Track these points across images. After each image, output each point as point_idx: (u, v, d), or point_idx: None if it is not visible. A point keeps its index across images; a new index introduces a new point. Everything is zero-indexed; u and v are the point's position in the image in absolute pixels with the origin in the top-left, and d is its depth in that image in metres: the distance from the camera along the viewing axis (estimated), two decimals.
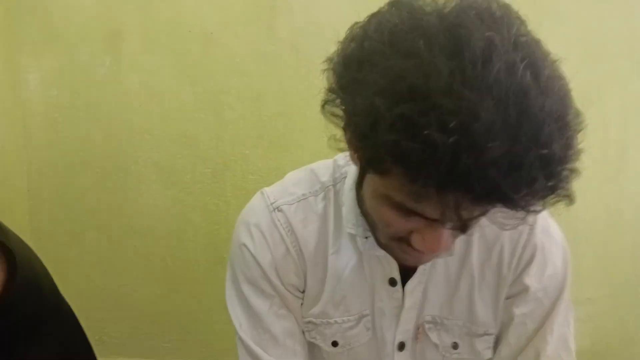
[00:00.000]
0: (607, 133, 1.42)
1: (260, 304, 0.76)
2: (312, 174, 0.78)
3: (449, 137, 0.44)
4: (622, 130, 1.43)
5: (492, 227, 0.73)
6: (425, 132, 0.44)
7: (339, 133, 0.60)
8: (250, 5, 1.35)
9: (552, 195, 0.49)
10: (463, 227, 0.56)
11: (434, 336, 0.77)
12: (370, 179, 0.59)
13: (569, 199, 0.51)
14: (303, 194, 0.76)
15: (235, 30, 1.36)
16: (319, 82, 0.60)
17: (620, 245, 1.52)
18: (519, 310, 0.75)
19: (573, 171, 0.49)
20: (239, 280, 0.76)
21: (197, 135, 1.45)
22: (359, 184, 0.64)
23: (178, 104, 1.44)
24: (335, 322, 0.77)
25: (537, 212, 0.49)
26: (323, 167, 0.78)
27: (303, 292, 0.78)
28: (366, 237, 0.71)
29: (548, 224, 0.75)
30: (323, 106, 0.59)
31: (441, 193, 0.47)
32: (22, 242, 0.75)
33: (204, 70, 1.41)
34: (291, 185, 0.77)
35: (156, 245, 1.54)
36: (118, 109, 1.46)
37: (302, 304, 0.78)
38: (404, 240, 0.59)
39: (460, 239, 0.71)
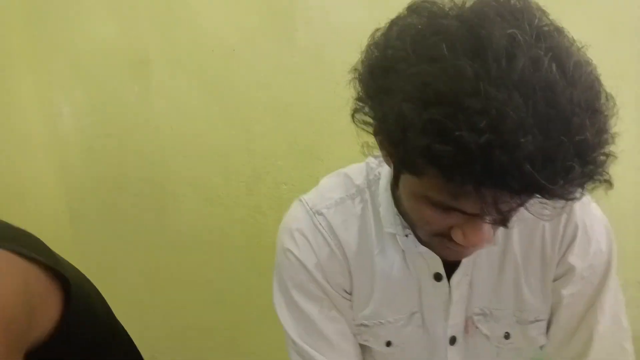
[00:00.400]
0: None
1: (310, 307, 0.76)
2: (347, 178, 0.79)
3: (480, 137, 0.44)
4: None
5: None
6: (457, 133, 0.45)
7: (371, 140, 0.61)
8: (269, 19, 1.36)
9: (590, 182, 0.49)
10: (503, 220, 0.56)
11: (484, 328, 0.78)
12: (406, 180, 0.59)
13: (608, 183, 0.51)
14: (340, 198, 0.77)
15: (256, 45, 1.38)
16: (342, 89, 0.60)
17: None
18: (567, 291, 0.74)
19: (609, 155, 0.49)
20: (287, 286, 0.77)
21: (228, 150, 1.47)
22: (395, 184, 0.65)
23: (207, 122, 1.47)
24: (388, 321, 0.78)
25: (576, 199, 0.50)
26: (356, 171, 0.79)
27: (350, 293, 0.78)
28: (406, 235, 0.72)
29: (587, 202, 0.75)
30: (353, 115, 0.60)
31: (478, 190, 0.47)
32: (74, 268, 0.77)
33: (229, 87, 1.43)
34: (327, 190, 0.79)
35: (198, 261, 1.57)
36: (149, 132, 1.50)
37: (351, 307, 0.79)
38: (445, 235, 0.60)
39: (501, 228, 0.70)
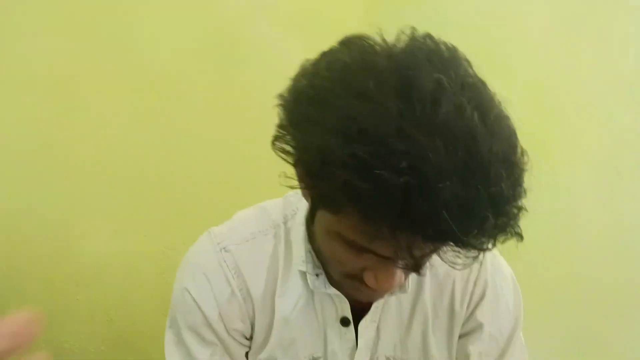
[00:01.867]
0: (557, 184, 1.45)
1: (200, 352, 0.72)
2: (262, 212, 0.75)
3: (399, 178, 0.44)
4: (573, 181, 1.46)
5: (443, 265, 0.73)
6: (377, 172, 0.44)
7: (289, 170, 0.59)
8: (208, 53, 1.33)
9: (502, 234, 0.49)
10: (415, 265, 0.55)
11: None
12: (322, 216, 0.58)
13: (519, 236, 0.51)
14: (252, 233, 0.73)
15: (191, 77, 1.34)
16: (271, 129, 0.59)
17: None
18: (474, 349, 0.74)
19: (521, 209, 0.50)
20: (179, 326, 0.72)
21: (145, 179, 1.40)
22: (310, 219, 0.63)
23: (128, 147, 1.39)
24: None
25: (488, 250, 0.50)
26: (273, 205, 0.76)
27: (250, 338, 0.74)
28: (317, 275, 0.69)
29: (497, 260, 0.76)
30: (273, 142, 0.58)
31: (394, 233, 0.47)
32: None
33: (155, 115, 1.38)
34: (239, 224, 0.75)
35: (101, 297, 1.45)
36: (63, 154, 1.40)
37: (248, 352, 0.75)
38: (356, 277, 0.58)
39: (413, 276, 0.71)
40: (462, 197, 0.44)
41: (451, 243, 0.48)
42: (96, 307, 1.46)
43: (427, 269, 0.72)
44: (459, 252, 0.51)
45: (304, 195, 0.62)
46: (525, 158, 0.51)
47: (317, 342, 0.73)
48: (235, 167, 1.39)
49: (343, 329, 0.72)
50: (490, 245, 0.50)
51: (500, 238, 0.50)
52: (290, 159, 0.57)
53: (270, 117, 0.59)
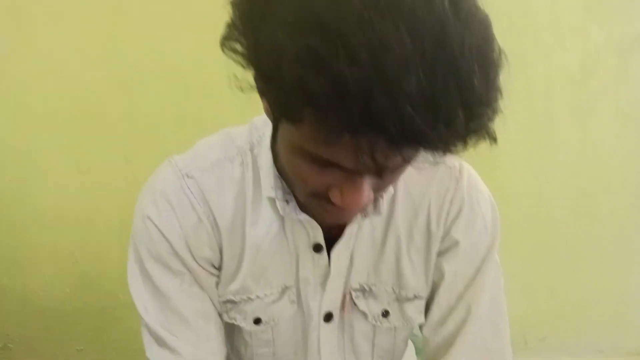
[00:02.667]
0: (533, 104, 1.43)
1: (167, 283, 0.67)
2: (227, 138, 0.70)
3: (359, 72, 0.39)
4: (548, 101, 1.44)
5: (418, 185, 0.71)
6: (333, 66, 0.39)
7: (240, 72, 0.52)
8: None
9: (474, 135, 0.45)
10: (379, 170, 0.50)
11: (362, 304, 0.73)
12: (284, 131, 0.53)
13: (492, 139, 0.47)
14: (217, 160, 0.68)
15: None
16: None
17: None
18: (449, 267, 0.72)
19: (495, 111, 0.46)
20: (142, 258, 0.67)
21: (106, 114, 1.33)
22: (274, 139, 0.59)
23: (83, 83, 1.32)
24: (257, 297, 0.70)
25: (457, 152, 0.46)
26: (238, 131, 0.71)
27: (219, 268, 0.70)
28: (287, 201, 0.65)
29: (474, 179, 0.73)
30: (223, 43, 0.51)
31: (354, 137, 0.43)
32: None
33: (111, 47, 1.30)
34: (203, 150, 0.69)
35: (65, 238, 1.41)
36: (18, 89, 1.32)
37: (218, 283, 0.71)
38: (323, 196, 0.54)
39: (385, 201, 0.67)
40: (428, 91, 0.40)
41: (417, 146, 0.44)
42: (60, 248, 1.42)
43: (400, 190, 0.70)
44: (425, 155, 0.47)
45: (266, 112, 0.57)
46: (503, 58, 0.46)
47: (289, 270, 0.71)
48: (199, 95, 1.32)
49: (316, 255, 0.69)
50: (460, 148, 0.45)
51: (472, 139, 0.46)
52: (242, 60, 0.51)
53: None
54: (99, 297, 1.44)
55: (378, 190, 0.54)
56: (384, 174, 0.51)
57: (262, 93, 0.53)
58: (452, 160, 0.72)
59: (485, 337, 0.72)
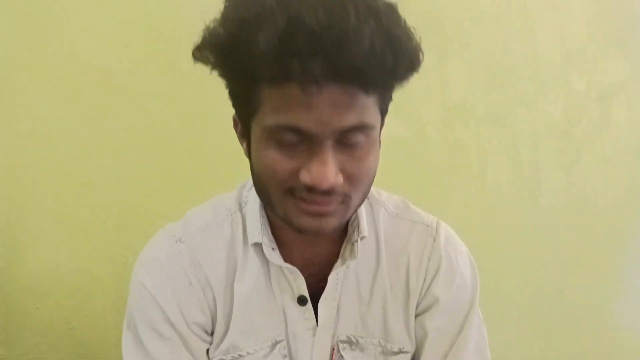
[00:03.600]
0: (519, 154, 1.45)
1: (158, 349, 0.68)
2: (217, 203, 0.74)
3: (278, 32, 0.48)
4: (534, 150, 1.46)
5: (398, 239, 0.73)
6: (245, 15, 0.51)
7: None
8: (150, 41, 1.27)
9: (403, 70, 0.53)
10: (339, 136, 0.55)
11: (348, 357, 0.74)
12: (254, 129, 0.58)
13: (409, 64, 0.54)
14: (208, 223, 0.71)
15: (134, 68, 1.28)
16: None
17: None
18: (432, 325, 0.73)
19: (417, 47, 0.54)
20: (136, 324, 0.69)
21: (97, 180, 1.33)
22: (249, 154, 0.62)
23: (74, 147, 1.32)
24: (248, 353, 0.71)
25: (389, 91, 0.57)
26: (227, 195, 0.75)
27: (211, 333, 0.71)
28: (272, 249, 0.68)
29: (451, 235, 0.75)
30: (194, 53, 0.59)
31: (304, 93, 0.49)
32: None
33: (102, 111, 1.31)
34: (195, 215, 0.73)
35: (59, 306, 1.39)
36: (6, 153, 1.32)
37: (207, 350, 0.72)
38: (295, 191, 0.57)
39: (371, 250, 0.71)
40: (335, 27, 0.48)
41: (356, 82, 0.50)
42: (56, 316, 1.40)
43: (383, 242, 0.72)
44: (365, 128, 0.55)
45: (245, 150, 0.63)
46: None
47: (278, 324, 0.71)
48: (191, 163, 1.34)
49: (301, 308, 0.70)
50: (393, 85, 0.55)
51: (401, 75, 0.54)
52: (207, 58, 0.58)
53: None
54: None
55: (345, 171, 0.57)
56: (345, 141, 0.55)
57: (220, 73, 0.59)
58: (429, 219, 0.75)
59: None
